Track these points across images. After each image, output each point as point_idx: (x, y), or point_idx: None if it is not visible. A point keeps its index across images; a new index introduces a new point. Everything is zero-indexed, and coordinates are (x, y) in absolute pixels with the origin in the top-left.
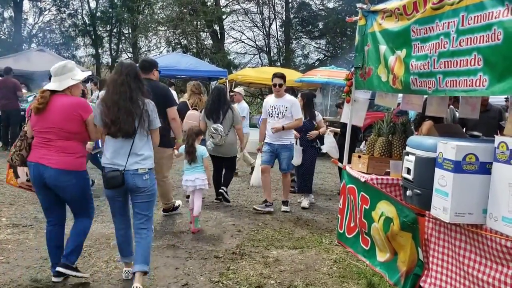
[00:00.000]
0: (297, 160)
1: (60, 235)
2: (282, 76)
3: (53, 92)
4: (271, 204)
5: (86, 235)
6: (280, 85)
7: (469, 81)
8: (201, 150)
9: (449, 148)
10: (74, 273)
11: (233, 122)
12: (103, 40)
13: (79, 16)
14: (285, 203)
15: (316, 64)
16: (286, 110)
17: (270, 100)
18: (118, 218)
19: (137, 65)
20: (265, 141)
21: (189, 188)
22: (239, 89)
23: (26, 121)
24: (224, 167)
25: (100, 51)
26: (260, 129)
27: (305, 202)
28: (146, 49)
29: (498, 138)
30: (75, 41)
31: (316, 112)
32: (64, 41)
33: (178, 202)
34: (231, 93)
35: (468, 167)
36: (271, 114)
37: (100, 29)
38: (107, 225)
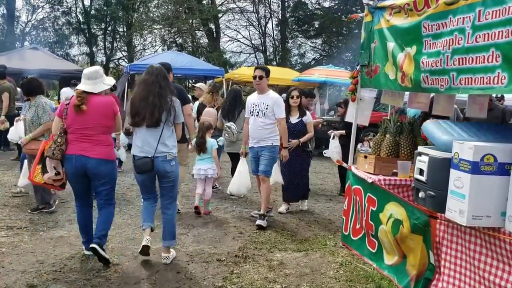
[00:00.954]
0: (277, 178)
1: (89, 215)
2: (265, 69)
3: (87, 93)
4: (270, 210)
5: (112, 220)
6: (261, 77)
7: (486, 78)
8: (211, 142)
9: (466, 149)
10: (103, 254)
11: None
12: (98, 39)
13: (73, 14)
14: (261, 216)
15: (312, 63)
16: (267, 109)
17: (252, 98)
18: (147, 197)
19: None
20: (250, 145)
21: (201, 176)
22: (200, 84)
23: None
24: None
25: (94, 49)
26: (244, 130)
27: (304, 205)
28: (141, 48)
29: None
30: (69, 39)
31: (307, 113)
32: (58, 39)
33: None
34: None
35: (486, 168)
36: (252, 112)
37: (95, 27)
38: None
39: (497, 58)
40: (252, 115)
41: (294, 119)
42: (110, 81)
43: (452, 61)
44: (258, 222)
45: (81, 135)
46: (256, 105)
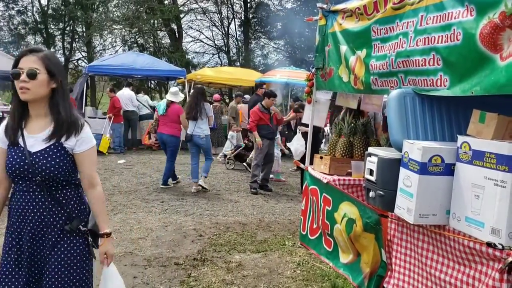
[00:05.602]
0: None
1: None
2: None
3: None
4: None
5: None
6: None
7: (429, 80)
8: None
9: (415, 149)
10: (174, 182)
11: None
12: (56, 39)
13: (29, 13)
14: None
15: (275, 64)
16: None
17: None
18: (193, 158)
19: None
20: None
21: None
22: None
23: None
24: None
25: (52, 50)
26: None
27: None
28: (101, 48)
29: (461, 138)
30: (25, 39)
31: (85, 127)
32: (13, 39)
33: None
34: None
35: (434, 168)
36: None
37: (52, 27)
38: None
39: (438, 61)
40: None
41: (32, 139)
42: (181, 96)
43: (396, 64)
44: None
45: (163, 122)
46: None
